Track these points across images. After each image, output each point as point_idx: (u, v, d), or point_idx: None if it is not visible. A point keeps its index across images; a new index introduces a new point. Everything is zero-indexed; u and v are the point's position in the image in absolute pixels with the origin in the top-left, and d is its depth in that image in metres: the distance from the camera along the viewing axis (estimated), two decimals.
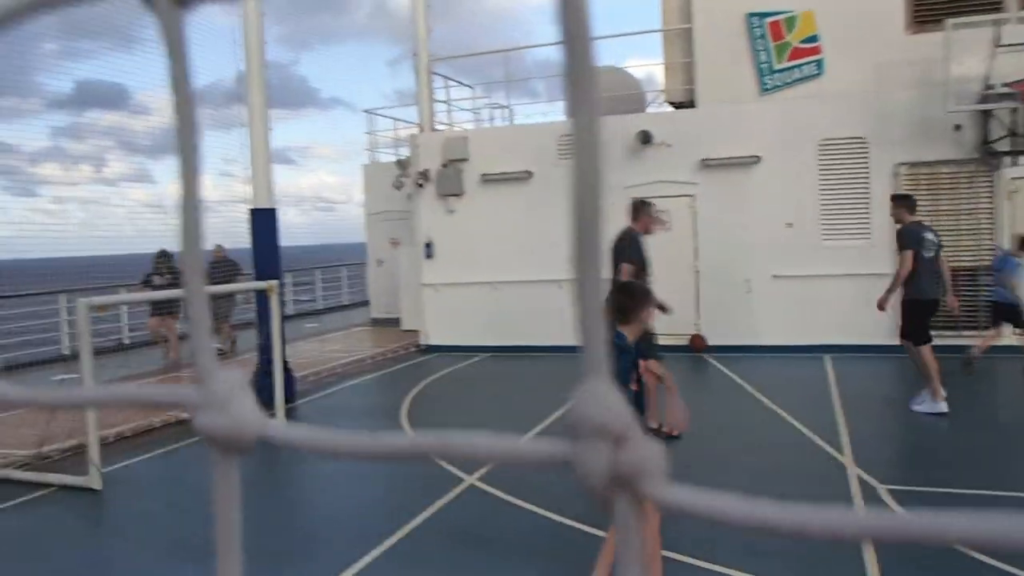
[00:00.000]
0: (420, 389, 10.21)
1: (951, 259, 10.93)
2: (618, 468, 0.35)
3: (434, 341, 13.08)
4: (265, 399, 8.66)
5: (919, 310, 7.94)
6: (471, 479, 6.35)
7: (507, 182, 12.62)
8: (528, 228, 12.24)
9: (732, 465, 6.63)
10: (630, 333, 4.13)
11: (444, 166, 13.01)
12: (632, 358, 4.08)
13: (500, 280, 12.62)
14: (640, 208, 7.87)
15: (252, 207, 9.99)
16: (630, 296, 4.25)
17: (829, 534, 0.32)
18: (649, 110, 13.38)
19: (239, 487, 0.52)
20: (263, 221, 10.04)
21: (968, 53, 10.22)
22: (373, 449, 0.44)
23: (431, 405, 9.43)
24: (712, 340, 11.60)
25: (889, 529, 0.33)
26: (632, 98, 13.25)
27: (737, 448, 7.17)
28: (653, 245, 11.86)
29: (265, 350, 9.23)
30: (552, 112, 17.27)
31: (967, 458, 6.69)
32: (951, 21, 10.21)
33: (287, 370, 9.47)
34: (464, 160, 12.91)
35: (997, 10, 10.68)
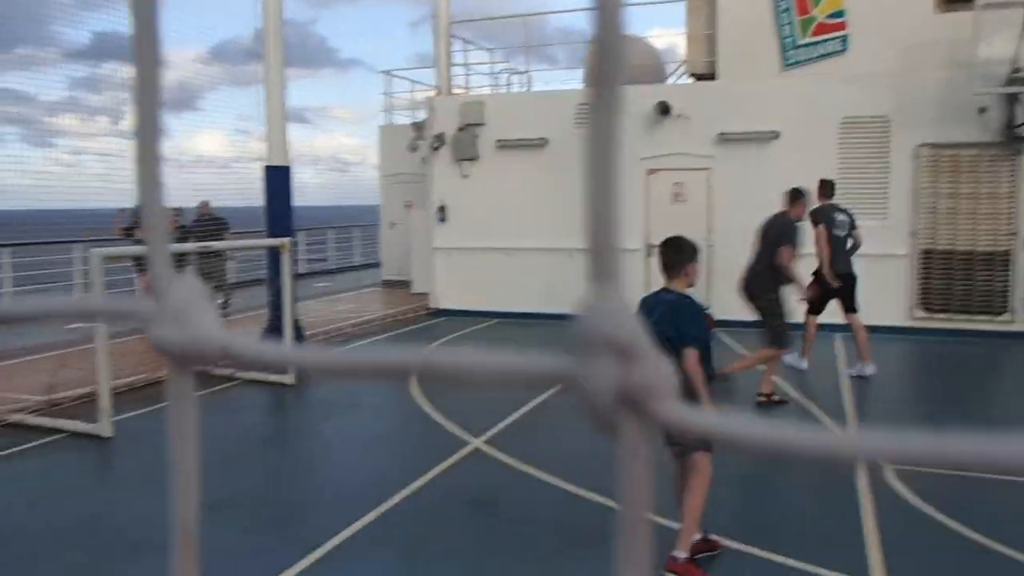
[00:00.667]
0: None
1: (967, 244, 10.86)
2: (626, 385, 0.32)
3: (444, 305, 13.10)
4: None
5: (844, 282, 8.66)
6: (477, 442, 6.40)
7: (523, 148, 12.54)
8: (542, 195, 12.19)
9: None
10: (677, 287, 4.13)
11: (460, 130, 12.93)
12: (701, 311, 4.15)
13: (513, 247, 12.59)
14: (797, 196, 8.15)
15: (266, 164, 9.98)
16: (677, 250, 4.18)
17: (843, 457, 0.31)
18: (669, 81, 13.22)
19: (197, 405, 0.49)
20: (277, 179, 10.03)
21: (997, 34, 10.02)
22: (356, 365, 0.42)
23: None
24: (723, 315, 11.55)
25: (891, 451, 0.32)
26: (652, 68, 13.09)
27: None
28: (666, 219, 11.85)
29: (275, 307, 9.27)
30: (570, 80, 17.11)
31: None
32: (981, 1, 9.99)
33: (297, 328, 9.52)
34: (480, 125, 12.82)
35: None
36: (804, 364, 8.92)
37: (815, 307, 8.82)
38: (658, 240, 12.31)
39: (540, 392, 7.89)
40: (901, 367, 9.77)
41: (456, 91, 14.12)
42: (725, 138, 11.55)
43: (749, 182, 11.47)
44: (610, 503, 5.09)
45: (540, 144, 12.42)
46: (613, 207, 0.35)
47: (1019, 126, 10.40)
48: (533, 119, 12.46)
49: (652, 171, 11.92)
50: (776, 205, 11.36)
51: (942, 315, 10.94)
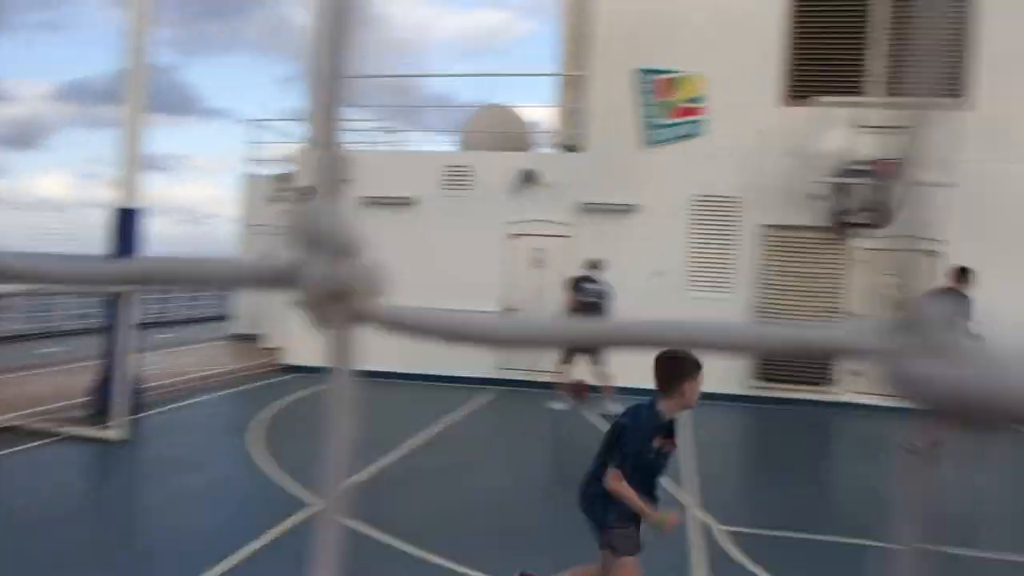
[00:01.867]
0: (274, 409, 9.83)
1: (800, 318, 11.56)
2: (336, 281, 0.34)
3: (296, 361, 12.66)
4: (106, 408, 8.11)
5: None
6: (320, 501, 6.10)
7: (389, 206, 12.49)
8: (406, 253, 12.12)
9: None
10: (667, 408, 3.55)
11: None
12: (650, 433, 3.51)
13: None
14: (963, 274, 8.79)
15: (117, 207, 9.43)
16: (672, 365, 3.50)
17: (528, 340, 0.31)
18: (536, 151, 13.60)
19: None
20: (126, 222, 9.48)
21: (834, 128, 10.94)
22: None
23: (283, 425, 9.07)
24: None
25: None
26: (520, 137, 13.47)
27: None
28: (526, 283, 12.05)
29: (110, 358, 8.65)
30: (440, 142, 17.28)
31: (810, 503, 6.99)
32: (820, 99, 10.91)
33: (133, 380, 8.91)
34: (347, 180, 12.69)
35: (861, 93, 11.51)
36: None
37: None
38: (517, 303, 12.49)
39: (389, 453, 7.68)
40: (736, 433, 10.20)
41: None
42: (587, 208, 11.94)
43: (608, 251, 11.86)
44: (461, 569, 4.95)
45: (406, 203, 12.42)
46: (335, 133, 0.38)
47: (850, 213, 11.30)
48: (400, 178, 12.47)
49: (514, 235, 12.13)
50: (630, 274, 11.81)
51: (775, 384, 11.58)
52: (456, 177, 12.15)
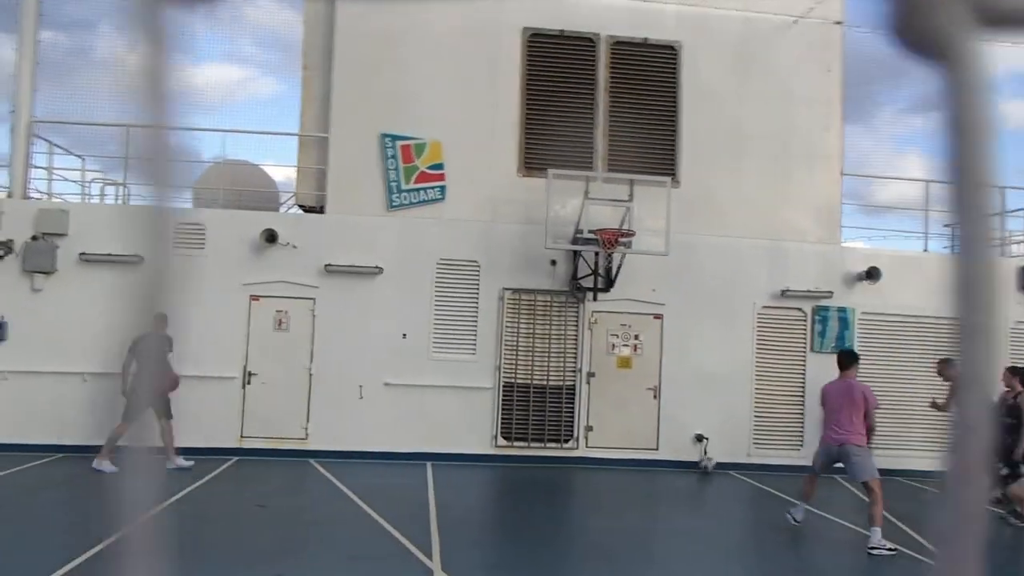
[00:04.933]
0: None
1: (541, 379, 12.14)
2: None
3: None
4: None
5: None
6: None
7: (112, 264, 11.43)
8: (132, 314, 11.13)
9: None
10: None
11: (34, 239, 11.47)
12: None
13: (92, 371, 11.19)
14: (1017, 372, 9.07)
15: None
16: None
17: None
18: (278, 211, 13.23)
19: None
20: None
21: (566, 199, 11.75)
22: None
23: None
24: (321, 444, 11.40)
25: None
26: (266, 196, 13.06)
27: (330, 556, 6.95)
28: (269, 346, 11.54)
29: None
30: (175, 199, 16.22)
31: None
32: (552, 171, 11.69)
33: None
34: (62, 235, 11.52)
35: (590, 167, 12.51)
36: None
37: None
38: (257, 368, 11.96)
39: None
40: (482, 491, 10.39)
41: (33, 195, 12.59)
42: (331, 270, 11.75)
43: (352, 313, 11.74)
44: None
45: (134, 261, 11.44)
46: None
47: (581, 278, 12.12)
48: (124, 234, 11.51)
49: (255, 297, 11.64)
50: (375, 336, 11.73)
51: (520, 443, 11.98)
52: (187, 235, 11.44)
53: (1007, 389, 9.48)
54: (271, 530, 7.77)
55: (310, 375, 11.66)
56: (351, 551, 7.17)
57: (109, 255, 11.37)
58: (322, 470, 10.56)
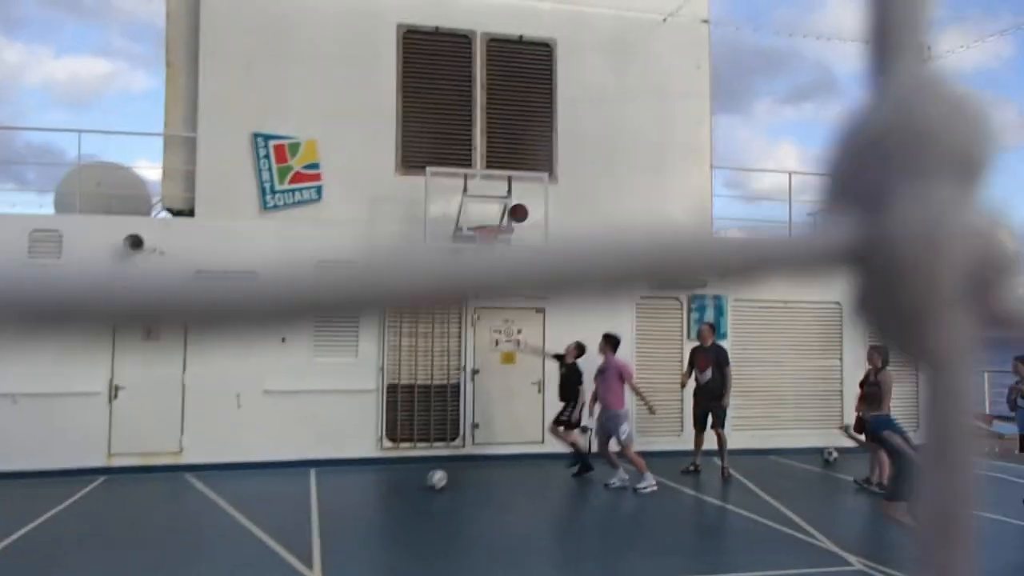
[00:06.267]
0: None
1: (425, 378, 12.05)
2: None
3: None
4: None
5: None
6: None
7: None
8: None
9: None
10: None
11: None
12: None
13: None
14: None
15: None
16: None
17: None
18: (144, 215, 12.62)
19: None
20: None
21: (445, 197, 11.69)
22: None
23: None
24: (197, 458, 10.95)
25: None
26: (135, 199, 12.41)
27: (209, 572, 6.70)
28: (138, 359, 10.98)
29: None
30: (44, 204, 15.39)
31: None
32: (430, 169, 11.61)
33: None
34: None
35: (469, 164, 12.50)
36: None
37: None
38: (124, 381, 11.41)
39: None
40: (368, 495, 10.23)
41: None
42: (202, 275, 11.26)
43: None
44: None
45: None
46: None
47: None
48: None
49: None
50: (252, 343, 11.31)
51: (406, 444, 11.86)
52: (44, 243, 10.76)
53: (870, 367, 10.05)
54: (144, 550, 7.39)
55: (183, 386, 11.18)
56: (231, 565, 6.93)
57: None
58: (199, 484, 10.14)
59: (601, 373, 10.43)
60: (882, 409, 9.61)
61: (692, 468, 11.13)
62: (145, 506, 9.23)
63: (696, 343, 11.76)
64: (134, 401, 10.98)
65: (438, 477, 9.81)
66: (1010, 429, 12.89)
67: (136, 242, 11.02)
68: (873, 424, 7.41)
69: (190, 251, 11.28)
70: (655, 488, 9.85)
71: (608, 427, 10.19)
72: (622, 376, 10.33)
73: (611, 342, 10.48)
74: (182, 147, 12.01)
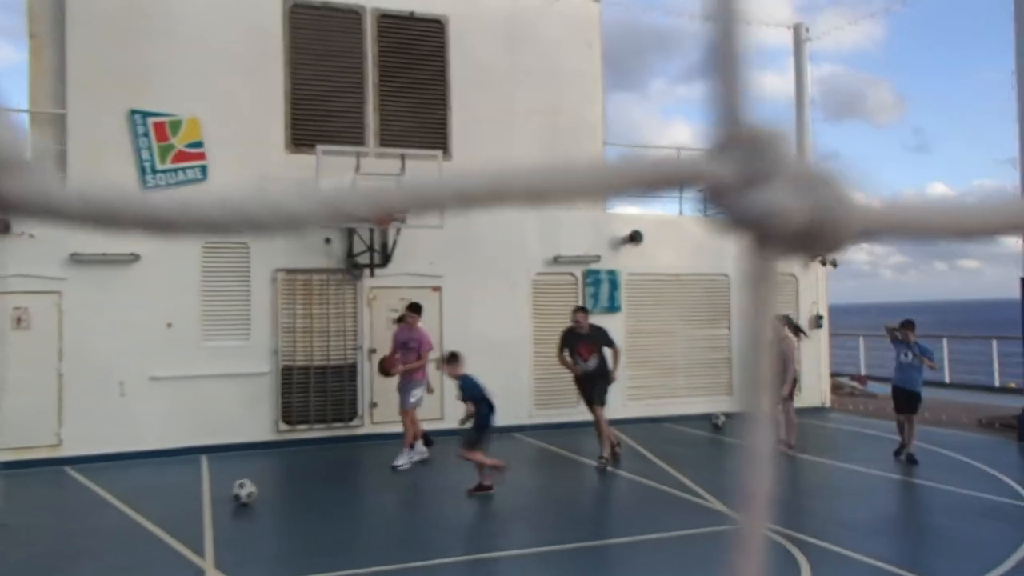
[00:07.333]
0: None
1: (322, 359, 11.84)
2: None
3: None
4: None
5: None
6: None
7: None
8: None
9: None
10: None
11: None
12: None
13: None
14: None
15: None
16: None
17: None
18: None
19: None
20: None
21: (337, 175, 11.44)
22: None
23: None
24: (77, 449, 10.45)
25: None
26: None
27: (94, 570, 6.42)
28: (5, 347, 10.35)
29: None
30: None
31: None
32: (320, 147, 11.33)
33: None
34: None
35: (362, 142, 12.28)
36: None
37: None
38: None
39: None
40: (263, 479, 10.00)
41: None
42: (78, 259, 10.73)
43: (107, 305, 10.81)
44: None
45: None
46: None
47: (357, 255, 11.92)
48: None
49: None
50: (136, 328, 10.88)
51: (303, 426, 11.65)
52: None
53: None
54: (20, 550, 7.00)
55: (60, 375, 10.62)
56: (117, 562, 6.65)
57: None
58: (80, 477, 9.68)
59: (405, 344, 10.24)
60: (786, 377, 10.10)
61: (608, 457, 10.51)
62: (19, 503, 8.72)
63: (571, 325, 10.19)
64: (5, 393, 10.35)
65: (246, 492, 8.19)
66: (883, 389, 13.71)
67: (3, 226, 10.36)
68: None
69: (63, 235, 10.69)
70: (409, 466, 9.95)
71: (401, 392, 10.16)
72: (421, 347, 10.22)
73: (417, 311, 10.36)
74: (51, 125, 11.33)
